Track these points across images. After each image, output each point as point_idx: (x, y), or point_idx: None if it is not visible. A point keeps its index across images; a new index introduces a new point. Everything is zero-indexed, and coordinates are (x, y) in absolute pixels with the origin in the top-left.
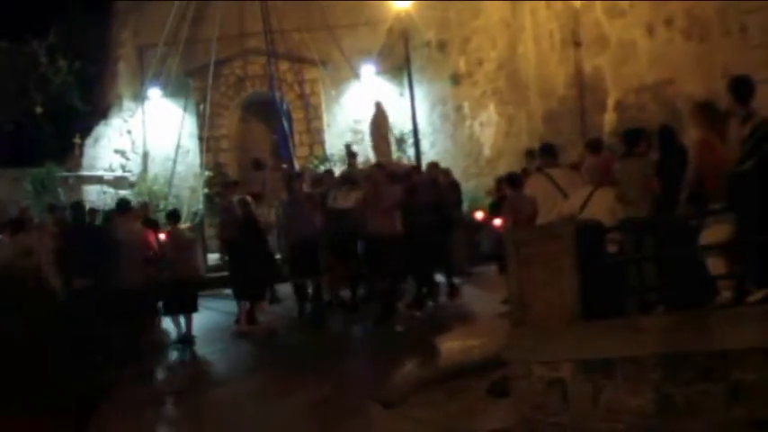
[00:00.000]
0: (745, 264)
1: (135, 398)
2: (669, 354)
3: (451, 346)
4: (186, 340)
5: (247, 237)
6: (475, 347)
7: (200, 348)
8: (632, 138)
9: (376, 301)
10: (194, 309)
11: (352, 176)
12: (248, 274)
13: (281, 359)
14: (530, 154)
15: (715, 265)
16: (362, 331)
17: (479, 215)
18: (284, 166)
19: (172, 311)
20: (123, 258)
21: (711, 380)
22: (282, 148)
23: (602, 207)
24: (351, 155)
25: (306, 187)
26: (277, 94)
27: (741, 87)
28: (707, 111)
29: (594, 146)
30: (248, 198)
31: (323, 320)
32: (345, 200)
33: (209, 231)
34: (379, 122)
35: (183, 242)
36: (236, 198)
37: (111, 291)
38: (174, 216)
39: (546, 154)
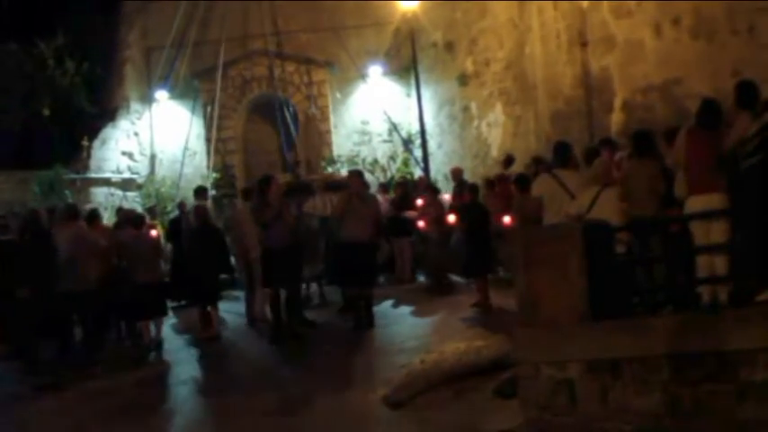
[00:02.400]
0: (745, 261)
1: None
2: (677, 354)
3: (458, 346)
4: (152, 346)
5: (201, 244)
6: (482, 348)
7: (205, 349)
8: (640, 138)
9: (354, 306)
10: (162, 313)
11: (303, 186)
12: (201, 281)
13: (281, 363)
14: (508, 161)
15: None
16: (354, 334)
17: (452, 219)
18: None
19: (138, 317)
20: (70, 262)
21: (719, 380)
22: (286, 149)
23: (610, 207)
24: (296, 164)
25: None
26: (282, 95)
27: (746, 93)
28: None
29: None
30: (205, 205)
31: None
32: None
33: None
34: (309, 135)
35: (144, 246)
36: (192, 205)
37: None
38: (137, 220)
39: (557, 154)
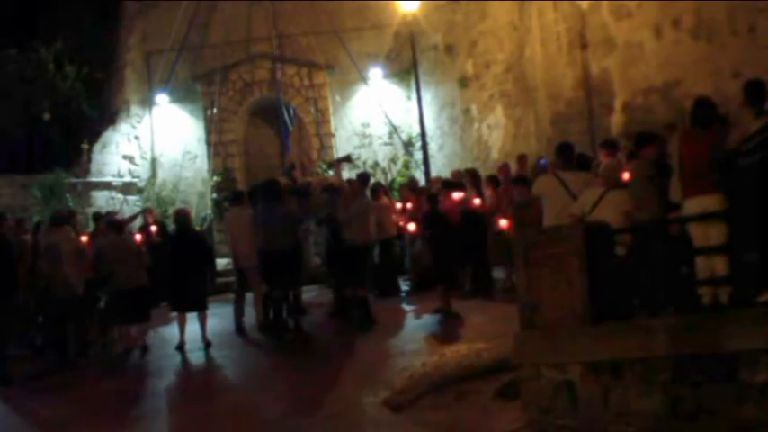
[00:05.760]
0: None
1: None
2: (678, 355)
3: (459, 349)
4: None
5: (182, 250)
6: (483, 350)
7: (203, 353)
8: (639, 140)
9: (354, 308)
10: (143, 318)
11: (301, 189)
12: (183, 288)
13: (280, 366)
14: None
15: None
16: (354, 337)
17: (411, 227)
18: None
19: (118, 321)
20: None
21: (721, 381)
22: (287, 153)
23: (614, 209)
24: (292, 167)
25: None
26: (283, 99)
27: (755, 91)
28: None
29: (610, 146)
30: (187, 209)
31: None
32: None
33: (218, 236)
34: (301, 139)
35: (124, 252)
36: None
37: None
38: (114, 225)
39: (560, 154)
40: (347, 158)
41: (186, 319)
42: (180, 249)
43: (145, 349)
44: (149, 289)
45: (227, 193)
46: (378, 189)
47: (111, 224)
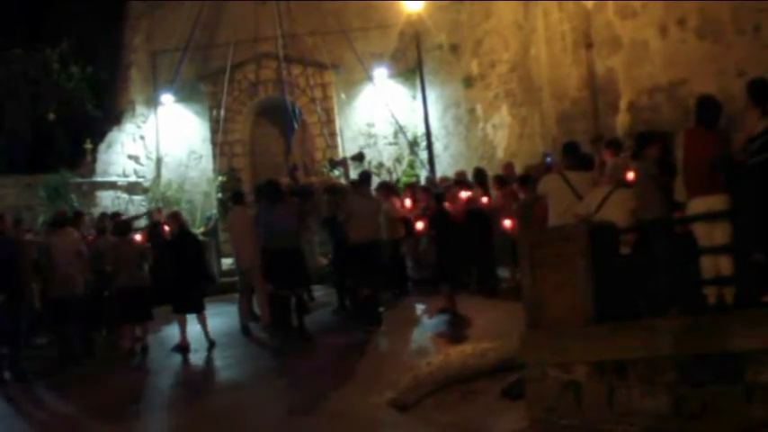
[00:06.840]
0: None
1: None
2: (683, 355)
3: (464, 348)
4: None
5: (178, 252)
6: (488, 350)
7: (208, 352)
8: (641, 139)
9: (361, 306)
10: (146, 317)
11: (303, 189)
12: (184, 289)
13: (284, 366)
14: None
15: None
16: (359, 336)
17: (420, 226)
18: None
19: (121, 320)
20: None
21: (726, 381)
22: (290, 151)
23: (619, 208)
24: (294, 168)
25: None
26: (288, 98)
27: (759, 91)
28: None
29: (614, 146)
30: (179, 212)
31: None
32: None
33: (223, 236)
34: (304, 140)
35: (126, 252)
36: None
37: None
38: (122, 228)
39: (566, 154)
40: (360, 157)
41: (186, 319)
42: (180, 251)
43: (145, 349)
44: (151, 288)
45: (232, 192)
46: (390, 188)
47: (115, 226)
